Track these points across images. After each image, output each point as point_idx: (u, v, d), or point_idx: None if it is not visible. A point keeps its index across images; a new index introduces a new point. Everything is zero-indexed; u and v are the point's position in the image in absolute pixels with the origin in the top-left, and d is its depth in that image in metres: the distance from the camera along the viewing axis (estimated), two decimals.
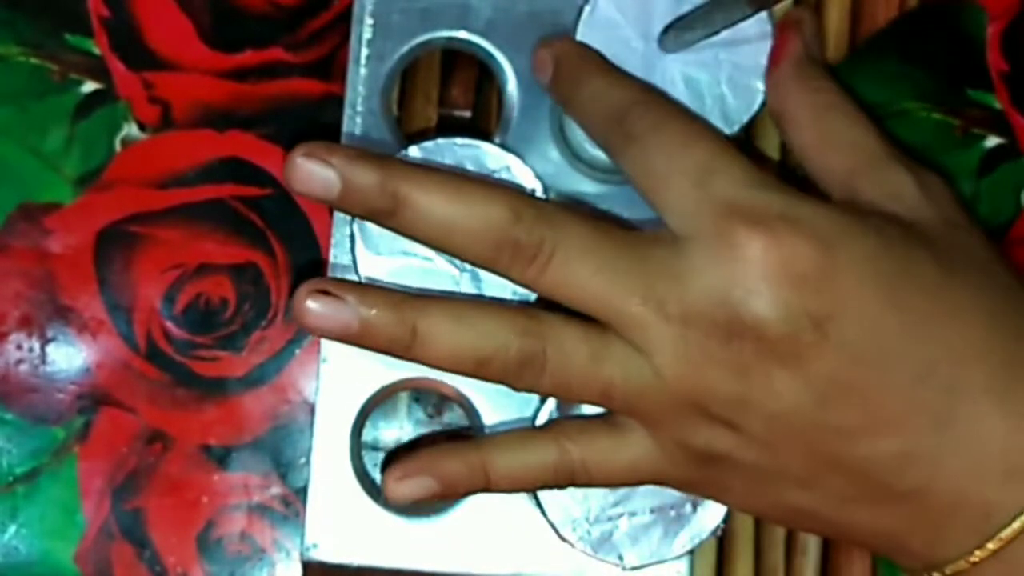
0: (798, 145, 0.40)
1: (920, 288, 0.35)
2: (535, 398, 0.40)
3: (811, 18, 0.41)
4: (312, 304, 0.35)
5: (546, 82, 0.40)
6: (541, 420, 0.40)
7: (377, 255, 0.39)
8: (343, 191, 0.35)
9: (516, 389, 0.36)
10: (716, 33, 0.39)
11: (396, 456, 0.41)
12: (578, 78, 0.39)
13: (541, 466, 0.37)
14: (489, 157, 0.40)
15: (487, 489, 0.38)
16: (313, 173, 0.35)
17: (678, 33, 0.40)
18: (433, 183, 0.35)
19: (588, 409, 0.38)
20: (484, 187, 0.35)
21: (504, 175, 0.40)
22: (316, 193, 0.35)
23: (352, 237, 0.39)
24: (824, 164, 0.39)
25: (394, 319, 0.35)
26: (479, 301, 0.38)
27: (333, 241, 0.41)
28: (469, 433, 0.42)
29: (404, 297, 0.36)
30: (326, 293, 0.35)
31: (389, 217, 0.35)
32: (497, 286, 0.39)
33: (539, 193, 0.40)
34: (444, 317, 0.36)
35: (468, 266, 0.39)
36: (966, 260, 0.36)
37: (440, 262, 0.39)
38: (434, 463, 0.38)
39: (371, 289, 0.36)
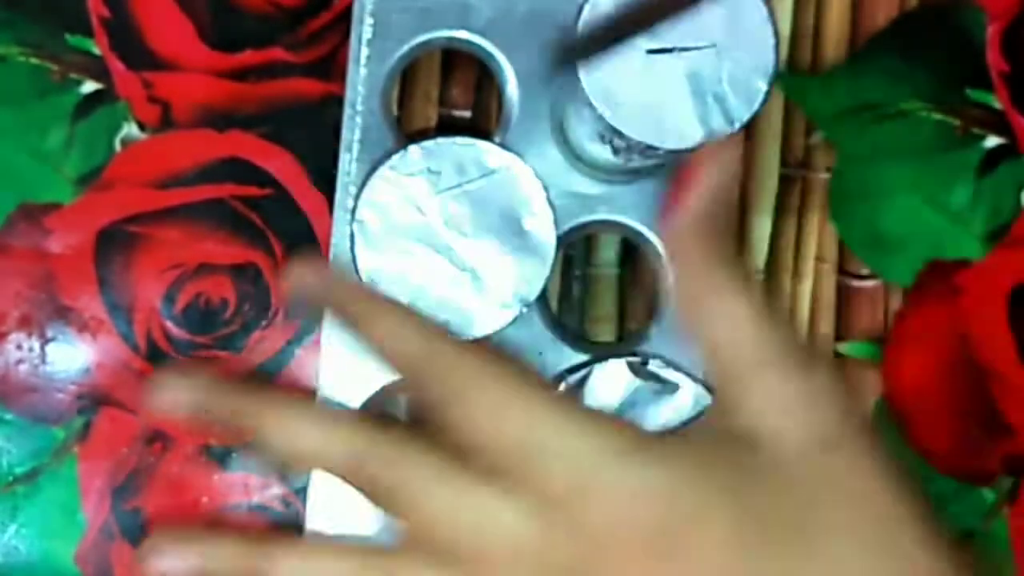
0: (687, 314, 0.33)
1: (774, 540, 0.30)
2: None
3: (733, 150, 0.35)
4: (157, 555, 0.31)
5: None
6: None
7: (377, 254, 0.39)
8: None
9: None
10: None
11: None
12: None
13: None
14: (489, 156, 0.40)
15: None
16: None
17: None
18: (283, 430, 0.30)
19: (593, 400, 0.38)
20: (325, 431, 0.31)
21: (504, 174, 0.40)
22: None
23: (352, 237, 0.39)
24: (710, 360, 0.33)
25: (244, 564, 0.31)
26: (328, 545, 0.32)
27: (333, 241, 0.41)
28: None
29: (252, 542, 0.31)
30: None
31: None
32: (498, 286, 0.39)
33: (540, 193, 0.40)
34: (296, 560, 0.31)
35: (469, 266, 0.39)
36: (836, 498, 0.31)
37: (441, 262, 0.39)
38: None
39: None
